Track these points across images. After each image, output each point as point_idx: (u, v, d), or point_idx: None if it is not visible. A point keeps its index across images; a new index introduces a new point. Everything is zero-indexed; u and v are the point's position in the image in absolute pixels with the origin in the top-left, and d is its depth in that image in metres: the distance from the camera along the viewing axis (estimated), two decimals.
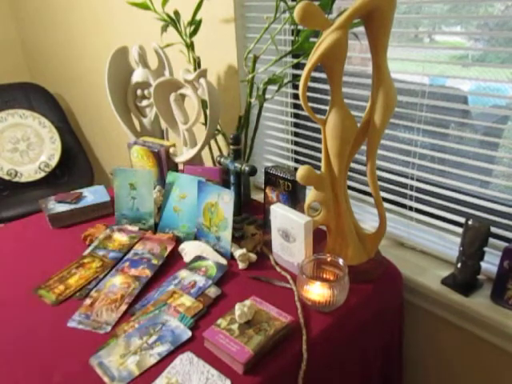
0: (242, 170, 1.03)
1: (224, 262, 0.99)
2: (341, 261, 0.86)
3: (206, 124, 1.26)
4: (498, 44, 0.95)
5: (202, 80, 1.09)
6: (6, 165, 2.10)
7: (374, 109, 0.82)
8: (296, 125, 1.36)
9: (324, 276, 0.90)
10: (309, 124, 1.28)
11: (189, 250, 1.03)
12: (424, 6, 1.01)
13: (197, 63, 1.24)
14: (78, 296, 0.91)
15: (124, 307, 0.86)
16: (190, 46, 1.22)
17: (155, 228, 1.14)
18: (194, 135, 1.24)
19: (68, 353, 0.77)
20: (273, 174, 1.06)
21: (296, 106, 1.34)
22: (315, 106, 1.22)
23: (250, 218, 1.15)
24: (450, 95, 1.00)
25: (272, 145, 1.42)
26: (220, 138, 1.41)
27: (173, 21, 1.18)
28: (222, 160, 1.10)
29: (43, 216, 1.23)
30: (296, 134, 1.36)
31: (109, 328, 0.81)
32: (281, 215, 0.93)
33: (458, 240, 0.95)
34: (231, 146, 1.06)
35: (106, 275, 0.96)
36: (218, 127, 1.26)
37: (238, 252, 0.98)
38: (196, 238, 1.08)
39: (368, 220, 1.18)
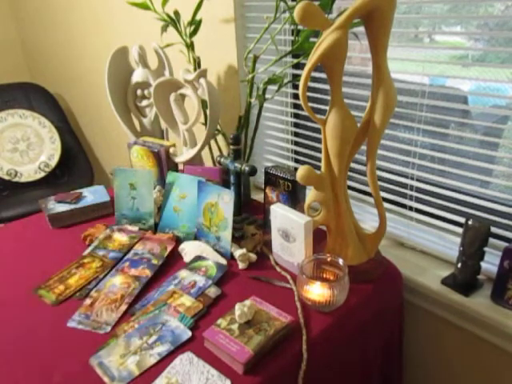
0: (242, 170, 1.03)
1: (224, 262, 0.99)
2: (341, 261, 0.86)
3: (206, 124, 1.26)
4: (498, 44, 0.95)
5: (201, 80, 1.09)
6: (5, 165, 2.10)
7: (373, 109, 0.82)
8: (296, 125, 1.36)
9: (324, 276, 0.90)
10: (309, 124, 1.28)
11: (189, 250, 1.03)
12: (424, 5, 1.01)
13: (197, 63, 1.24)
14: (78, 296, 0.91)
15: (124, 307, 0.86)
16: (190, 46, 1.22)
17: (155, 228, 1.14)
18: (193, 135, 1.24)
19: (68, 353, 0.77)
20: (273, 174, 1.06)
21: (296, 106, 1.34)
22: (315, 105, 1.22)
23: (250, 218, 1.15)
24: (450, 95, 1.00)
25: (272, 145, 1.42)
26: (220, 137, 1.41)
27: (173, 21, 1.18)
28: (222, 160, 1.10)
29: (43, 216, 1.23)
30: (296, 134, 1.36)
31: (109, 328, 0.81)
32: (281, 215, 0.93)
33: (458, 240, 0.95)
34: (231, 146, 1.06)
35: (105, 275, 0.96)
36: (218, 127, 1.26)
37: (237, 252, 0.98)
38: (196, 238, 1.08)
39: (368, 220, 1.18)
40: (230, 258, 1.01)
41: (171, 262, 1.01)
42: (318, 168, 0.94)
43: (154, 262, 0.99)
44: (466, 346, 0.99)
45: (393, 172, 1.11)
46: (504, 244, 0.93)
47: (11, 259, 1.06)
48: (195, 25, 1.18)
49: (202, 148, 1.19)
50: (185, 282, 0.92)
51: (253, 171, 1.01)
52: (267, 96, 1.18)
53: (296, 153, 1.38)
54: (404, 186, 1.10)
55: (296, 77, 1.24)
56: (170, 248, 1.03)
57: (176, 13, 1.18)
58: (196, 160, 1.24)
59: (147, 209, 1.14)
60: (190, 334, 0.78)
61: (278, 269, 0.97)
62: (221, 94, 1.40)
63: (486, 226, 0.86)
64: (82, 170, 2.27)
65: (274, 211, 0.95)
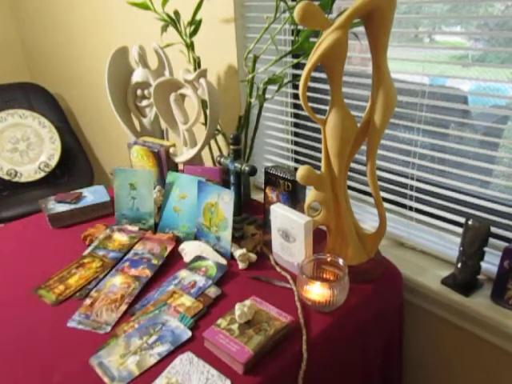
0: (242, 170, 1.03)
1: (224, 262, 0.99)
2: (341, 261, 0.86)
3: (206, 124, 1.26)
4: (498, 44, 0.95)
5: (202, 80, 1.09)
6: (5, 165, 2.10)
7: (374, 109, 0.82)
8: (296, 125, 1.36)
9: (324, 276, 0.90)
10: (309, 124, 1.28)
11: (189, 250, 1.03)
12: (424, 5, 1.01)
13: (197, 63, 1.24)
14: (78, 296, 0.91)
15: (124, 307, 0.86)
16: (190, 46, 1.22)
17: (155, 228, 1.14)
18: (193, 135, 1.24)
19: (68, 353, 0.77)
20: (273, 174, 1.06)
21: (296, 106, 1.34)
22: (315, 105, 1.22)
23: (250, 218, 1.15)
24: (450, 95, 1.00)
25: (272, 145, 1.42)
26: (220, 137, 1.41)
27: (173, 21, 1.18)
28: (222, 160, 1.10)
29: (43, 216, 1.23)
30: (296, 134, 1.36)
31: (109, 328, 0.81)
32: (281, 215, 0.93)
33: (458, 240, 0.95)
34: (231, 146, 1.06)
35: (105, 275, 0.96)
36: (218, 127, 1.26)
37: (237, 252, 0.98)
38: (196, 238, 1.08)
39: (368, 220, 1.18)
40: (230, 257, 1.01)
41: (171, 262, 1.01)
42: (318, 168, 0.94)
43: (154, 262, 0.99)
44: (466, 346, 0.99)
45: (393, 172, 1.11)
46: (504, 244, 0.93)
47: (11, 259, 1.06)
48: (195, 25, 1.18)
49: (202, 148, 1.19)
50: (185, 282, 0.92)
51: (253, 171, 1.01)
52: (267, 96, 1.18)
53: (296, 153, 1.38)
54: (404, 186, 1.10)
55: (296, 77, 1.24)
56: (169, 248, 1.03)
57: (176, 13, 1.18)
58: (196, 160, 1.24)
59: (147, 209, 1.14)
60: (189, 334, 0.78)
61: (278, 269, 0.98)
62: (221, 93, 1.40)
63: (486, 226, 0.86)
64: (82, 170, 2.27)
65: (273, 211, 0.95)
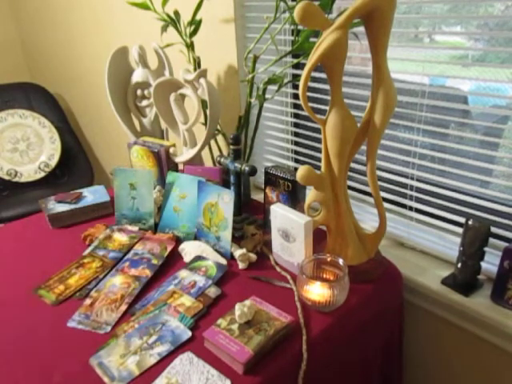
0: (242, 170, 1.03)
1: (224, 262, 0.99)
2: (341, 261, 0.86)
3: (206, 124, 1.26)
4: (498, 44, 0.95)
5: (202, 80, 1.09)
6: (5, 165, 2.10)
7: (374, 109, 0.82)
8: (296, 125, 1.36)
9: (324, 276, 0.90)
10: (309, 124, 1.28)
11: (189, 250, 1.03)
12: (424, 5, 1.01)
13: (197, 63, 1.24)
14: (78, 296, 0.91)
15: (124, 307, 0.86)
16: (190, 46, 1.22)
17: (155, 228, 1.14)
18: (193, 135, 1.24)
19: (68, 353, 0.77)
20: (273, 174, 1.06)
21: (296, 106, 1.34)
22: (315, 105, 1.22)
23: (250, 218, 1.15)
24: (450, 95, 1.00)
25: (272, 145, 1.42)
26: (220, 137, 1.41)
27: (173, 21, 1.18)
28: (222, 160, 1.10)
29: (43, 216, 1.23)
30: (296, 134, 1.36)
31: (109, 328, 0.81)
32: (281, 215, 0.93)
33: (458, 240, 0.95)
34: (231, 146, 1.06)
35: (105, 275, 0.96)
36: (218, 127, 1.26)
37: (237, 252, 0.98)
38: (196, 238, 1.08)
39: (368, 220, 1.18)
40: (230, 258, 1.01)
41: (171, 262, 1.01)
42: (318, 168, 0.94)
43: (154, 262, 0.99)
44: (466, 346, 0.99)
45: (393, 172, 1.11)
46: (504, 244, 0.93)
47: (11, 259, 1.06)
48: (195, 25, 1.18)
49: (202, 148, 1.19)
50: (185, 282, 0.92)
51: (253, 171, 1.01)
52: (267, 96, 1.18)
53: (296, 153, 1.38)
54: (404, 186, 1.10)
55: (296, 77, 1.24)
56: (169, 248, 1.03)
57: (176, 13, 1.18)
58: (196, 160, 1.24)
59: (147, 209, 1.14)
60: (189, 334, 0.78)
61: (278, 269, 0.97)
62: (221, 93, 1.40)
63: (486, 225, 0.86)
64: (82, 170, 2.27)
65: (273, 211, 0.95)
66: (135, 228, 1.13)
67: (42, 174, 2.14)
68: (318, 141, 1.26)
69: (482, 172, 0.94)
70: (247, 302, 0.79)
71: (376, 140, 0.84)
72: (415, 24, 1.03)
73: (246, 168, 1.02)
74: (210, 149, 1.35)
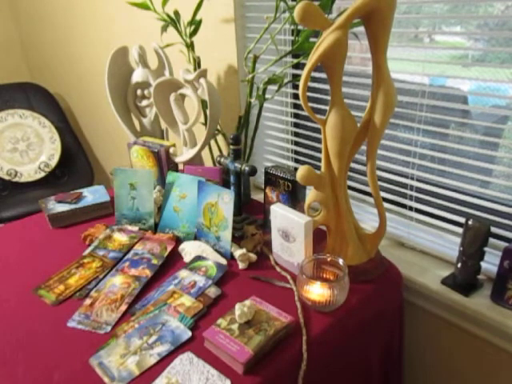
0: (242, 170, 1.03)
1: (224, 262, 0.99)
2: (341, 261, 0.86)
3: (206, 124, 1.26)
4: (498, 44, 0.95)
5: (202, 80, 1.09)
6: (5, 165, 2.10)
7: (374, 109, 0.82)
8: (296, 125, 1.36)
9: (324, 276, 0.90)
10: (309, 124, 1.28)
11: (189, 250, 1.03)
12: (424, 5, 1.01)
13: (197, 63, 1.24)
14: (78, 296, 0.91)
15: (124, 307, 0.86)
16: (190, 46, 1.22)
17: (155, 228, 1.14)
18: (194, 135, 1.24)
19: (68, 353, 0.77)
20: (273, 173, 1.06)
21: (296, 106, 1.34)
22: (315, 105, 1.22)
23: (250, 218, 1.15)
24: (450, 95, 1.00)
25: (272, 145, 1.42)
26: (220, 137, 1.41)
27: (173, 21, 1.18)
28: (222, 160, 1.10)
29: (43, 216, 1.23)
30: (296, 134, 1.36)
31: (109, 328, 0.81)
32: (281, 215, 0.93)
33: (458, 240, 0.95)
34: (231, 146, 1.06)
35: (105, 275, 0.96)
36: (218, 127, 1.26)
37: (237, 252, 0.98)
38: (196, 238, 1.08)
39: (368, 220, 1.18)
40: (230, 258, 1.01)
41: (171, 262, 1.01)
42: (318, 168, 0.94)
43: (154, 262, 0.99)
44: (466, 346, 0.99)
45: (393, 172, 1.11)
46: (504, 244, 0.93)
47: (11, 259, 1.06)
48: (195, 25, 1.18)
49: (202, 148, 1.19)
50: (185, 282, 0.92)
51: (253, 171, 1.01)
52: (267, 96, 1.18)
53: (296, 153, 1.38)
54: (404, 186, 1.10)
55: (296, 77, 1.24)
56: (169, 248, 1.03)
57: (176, 13, 1.18)
58: (196, 160, 1.24)
59: (147, 209, 1.14)
60: (189, 334, 0.78)
61: (278, 269, 0.97)
62: (221, 93, 1.40)
63: (486, 226, 0.86)
64: (82, 170, 2.27)
65: (273, 211, 0.95)
66: (135, 228, 1.13)
67: (42, 174, 2.14)
68: (318, 141, 1.26)
69: (482, 172, 0.94)
70: (247, 302, 0.79)
71: (376, 140, 0.84)
72: (415, 24, 1.03)
73: (246, 168, 1.02)
74: (210, 149, 1.35)
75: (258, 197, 1.34)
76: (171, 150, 1.25)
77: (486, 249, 0.89)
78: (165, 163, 1.25)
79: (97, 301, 0.88)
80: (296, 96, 1.32)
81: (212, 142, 1.38)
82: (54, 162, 2.16)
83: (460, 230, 1.01)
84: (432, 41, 1.04)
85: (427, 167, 1.04)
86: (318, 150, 1.27)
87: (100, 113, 2.17)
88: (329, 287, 0.81)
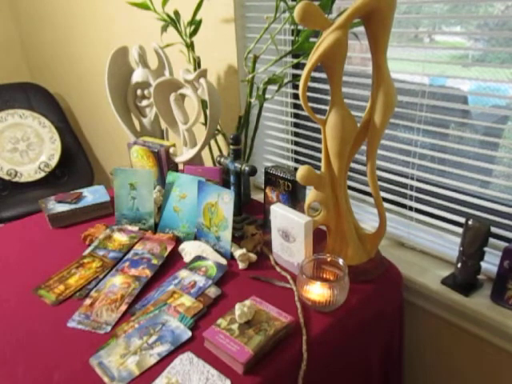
0: (242, 170, 1.03)
1: (224, 262, 0.99)
2: (341, 261, 0.86)
3: (206, 124, 1.26)
4: (498, 44, 0.95)
5: (202, 80, 1.09)
6: (5, 165, 2.10)
7: (374, 109, 0.82)
8: (296, 125, 1.36)
9: (324, 276, 0.90)
10: (309, 124, 1.28)
11: (189, 250, 1.03)
12: (424, 5, 1.01)
13: (197, 63, 1.24)
14: (78, 296, 0.91)
15: (124, 307, 0.86)
16: (190, 46, 1.22)
17: (155, 228, 1.14)
18: (194, 135, 1.24)
19: (68, 353, 0.77)
20: (273, 173, 1.06)
21: (296, 106, 1.34)
22: (315, 105, 1.22)
23: (250, 218, 1.15)
24: (450, 95, 1.00)
25: (272, 145, 1.42)
26: (220, 137, 1.41)
27: (173, 21, 1.18)
28: (222, 160, 1.10)
29: (43, 216, 1.23)
30: (296, 134, 1.36)
31: (109, 328, 0.81)
32: (281, 215, 0.93)
33: (458, 240, 0.95)
34: (231, 146, 1.06)
35: (105, 275, 0.96)
36: (218, 127, 1.26)
37: (238, 252, 0.98)
38: (196, 238, 1.08)
39: (368, 220, 1.18)
40: (230, 258, 1.01)
41: (171, 262, 1.01)
42: (318, 168, 0.94)
43: (154, 262, 0.99)
44: (466, 345, 0.99)
45: (393, 172, 1.11)
46: (504, 244, 0.93)
47: (11, 259, 1.06)
48: (195, 25, 1.18)
49: (202, 148, 1.19)
50: (185, 282, 0.92)
51: (253, 171, 1.01)
52: (267, 96, 1.18)
53: (296, 153, 1.38)
54: (404, 186, 1.10)
55: (296, 77, 1.24)
56: (169, 248, 1.03)
57: (176, 13, 1.18)
58: (196, 160, 1.24)
59: (147, 209, 1.14)
60: (190, 334, 0.78)
61: (278, 269, 0.97)
62: (221, 93, 1.40)
63: (486, 226, 0.86)
64: (82, 170, 2.27)
65: (273, 211, 0.95)
66: (135, 228, 1.13)
67: (42, 174, 2.14)
68: (318, 141, 1.26)
69: (482, 172, 0.94)
70: (247, 302, 0.79)
71: (376, 140, 0.84)
72: (415, 24, 1.03)
73: (246, 168, 1.02)
74: (210, 149, 1.35)
75: (258, 197, 1.34)
76: (171, 150, 1.25)
77: (485, 249, 0.89)
78: (165, 163, 1.25)
79: (97, 301, 0.88)
80: (296, 96, 1.32)
81: (212, 142, 1.38)
82: (54, 162, 2.16)
83: (460, 229, 1.01)
84: (432, 41, 1.04)
85: (427, 167, 1.04)
86: (318, 150, 1.27)
87: (100, 113, 2.17)
88: (329, 287, 0.81)
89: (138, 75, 1.34)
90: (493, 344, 0.93)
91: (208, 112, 1.12)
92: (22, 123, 2.15)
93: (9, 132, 2.13)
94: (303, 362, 0.75)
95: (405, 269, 1.02)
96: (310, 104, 0.87)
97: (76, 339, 0.79)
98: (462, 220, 0.99)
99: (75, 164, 2.27)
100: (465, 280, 0.94)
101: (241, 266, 0.98)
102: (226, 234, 1.01)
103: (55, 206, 1.21)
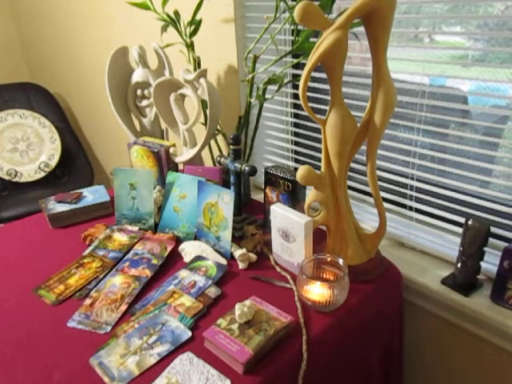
0: (242, 170, 1.03)
1: (224, 261, 0.99)
2: (341, 261, 0.86)
3: (206, 124, 1.26)
4: (498, 44, 0.95)
5: (202, 80, 1.09)
6: (5, 165, 2.10)
7: (374, 109, 0.82)
8: (296, 125, 1.36)
9: (324, 276, 0.90)
10: (309, 124, 1.28)
11: (189, 250, 1.03)
12: (424, 5, 1.01)
13: (197, 63, 1.24)
14: (78, 296, 0.91)
15: (124, 307, 0.86)
16: (190, 46, 1.22)
17: (155, 228, 1.14)
18: (194, 135, 1.24)
19: (68, 353, 0.77)
20: (273, 173, 1.06)
21: (296, 106, 1.34)
22: (315, 105, 1.22)
23: (250, 218, 1.15)
24: (450, 95, 1.00)
25: (272, 145, 1.42)
26: (220, 137, 1.41)
27: (173, 21, 1.18)
28: (222, 160, 1.10)
29: (43, 216, 1.23)
30: (296, 134, 1.36)
31: (109, 328, 0.81)
32: (281, 215, 0.93)
33: (458, 240, 0.95)
34: (231, 146, 1.06)
35: (105, 275, 0.96)
36: (218, 127, 1.26)
37: (237, 252, 0.98)
38: (196, 238, 1.08)
39: (368, 220, 1.18)
40: (230, 258, 1.01)
41: (171, 262, 1.01)
42: (318, 168, 0.94)
43: (154, 261, 0.99)
44: (466, 345, 0.99)
45: (393, 172, 1.11)
46: (504, 244, 0.93)
47: (11, 259, 1.06)
48: (195, 25, 1.18)
49: (202, 148, 1.19)
50: (185, 282, 0.92)
51: (253, 171, 1.01)
52: (267, 96, 1.18)
53: (296, 153, 1.38)
54: (404, 186, 1.10)
55: (296, 77, 1.24)
56: (169, 248, 1.03)
57: (176, 13, 1.18)
58: (196, 160, 1.24)
59: (147, 209, 1.14)
60: (190, 334, 0.78)
61: (278, 269, 0.98)
62: (221, 93, 1.40)
63: (486, 226, 0.86)
64: (82, 170, 2.27)
65: (273, 211, 0.95)
66: (135, 228, 1.13)
67: (42, 174, 2.14)
68: (318, 141, 1.26)
69: (482, 172, 0.94)
70: (247, 302, 0.79)
71: (376, 140, 0.84)
72: (415, 24, 1.03)
73: (246, 168, 1.02)
74: (210, 149, 1.35)
75: (258, 197, 1.34)
76: (171, 150, 1.25)
77: (485, 249, 0.89)
78: (165, 163, 1.25)
79: (97, 301, 0.88)
80: (296, 96, 1.32)
81: (212, 142, 1.38)
82: (54, 162, 2.16)
83: (460, 229, 1.01)
84: (432, 41, 1.04)
85: (427, 167, 1.04)
86: (318, 150, 1.27)
87: (100, 113, 2.17)
88: (329, 287, 0.81)
89: (138, 75, 1.34)
90: (493, 344, 0.93)
91: (208, 112, 1.12)
92: (22, 123, 2.15)
93: (9, 132, 2.13)
94: (303, 361, 0.75)
95: (405, 269, 1.02)
96: (310, 104, 0.87)
97: (76, 339, 0.79)
98: (461, 220, 0.99)
99: (75, 164, 2.27)
100: (465, 280, 0.94)
101: (241, 266, 0.98)
102: (226, 234, 1.01)
103: (55, 206, 1.21)
